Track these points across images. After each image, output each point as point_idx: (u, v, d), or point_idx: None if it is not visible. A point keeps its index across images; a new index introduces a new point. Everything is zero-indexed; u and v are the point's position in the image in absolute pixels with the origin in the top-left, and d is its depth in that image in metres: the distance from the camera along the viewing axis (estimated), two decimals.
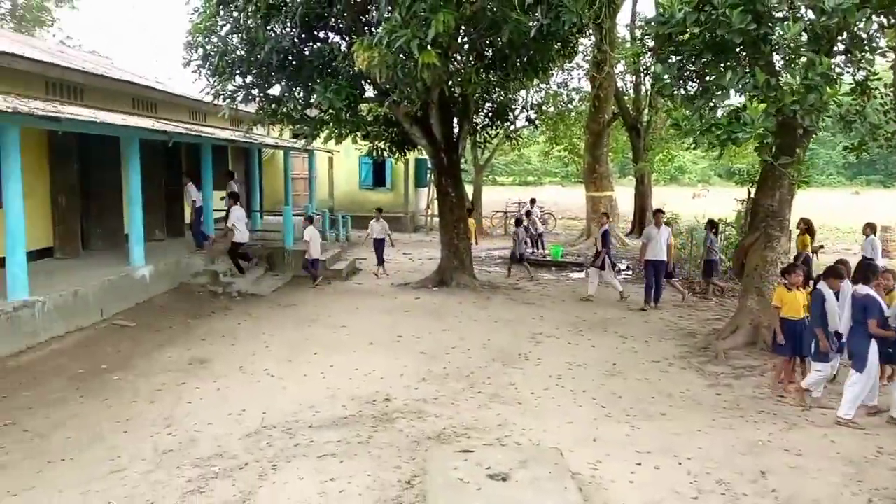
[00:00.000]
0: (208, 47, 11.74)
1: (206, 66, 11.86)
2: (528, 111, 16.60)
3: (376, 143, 15.02)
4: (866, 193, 51.94)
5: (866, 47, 8.20)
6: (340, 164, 23.43)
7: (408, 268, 15.79)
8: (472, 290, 12.78)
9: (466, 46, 12.17)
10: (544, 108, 21.25)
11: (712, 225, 12.95)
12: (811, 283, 7.71)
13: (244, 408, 6.60)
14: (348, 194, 23.95)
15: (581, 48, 18.47)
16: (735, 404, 6.97)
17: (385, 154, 15.53)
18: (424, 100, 12.17)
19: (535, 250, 18.93)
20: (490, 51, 12.19)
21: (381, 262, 14.71)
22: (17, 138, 8.22)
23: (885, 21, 8.13)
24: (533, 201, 21.71)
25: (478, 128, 15.22)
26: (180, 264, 12.10)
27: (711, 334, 9.50)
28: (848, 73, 9.39)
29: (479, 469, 4.91)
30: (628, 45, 21.01)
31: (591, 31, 17.37)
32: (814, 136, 9.76)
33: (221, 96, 12.09)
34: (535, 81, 14.54)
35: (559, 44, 12.39)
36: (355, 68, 10.28)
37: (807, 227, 12.01)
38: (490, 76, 12.76)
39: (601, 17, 9.72)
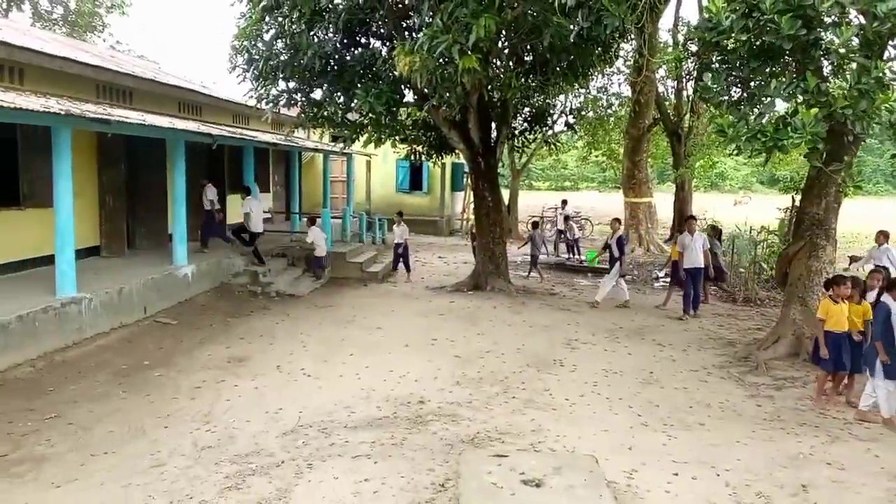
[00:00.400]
0: (253, 52, 11.99)
1: (251, 71, 12.11)
2: (566, 116, 16.51)
3: (414, 146, 15.12)
4: None
5: None
6: (378, 167, 23.65)
7: (443, 271, 15.84)
8: (507, 294, 12.75)
9: (507, 51, 12.20)
10: (583, 112, 21.13)
11: (715, 231, 13.05)
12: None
13: (281, 406, 6.70)
14: (385, 198, 24.15)
15: (622, 52, 18.35)
16: (776, 416, 6.81)
17: (422, 158, 15.63)
18: (463, 104, 12.22)
19: (572, 256, 18.82)
20: (530, 55, 12.18)
21: (406, 267, 14.73)
22: (68, 140, 8.50)
23: None
24: (564, 202, 21.49)
25: (516, 132, 15.21)
26: (221, 264, 12.35)
27: (752, 344, 9.29)
28: None
29: (513, 474, 4.89)
30: (670, 49, 20.77)
31: (632, 36, 17.26)
32: (863, 143, 9.51)
33: (265, 100, 12.33)
34: (575, 86, 14.47)
35: (600, 48, 12.32)
36: (396, 73, 10.38)
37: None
38: (530, 81, 12.75)
39: (643, 21, 9.63)
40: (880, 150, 50.28)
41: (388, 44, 12.36)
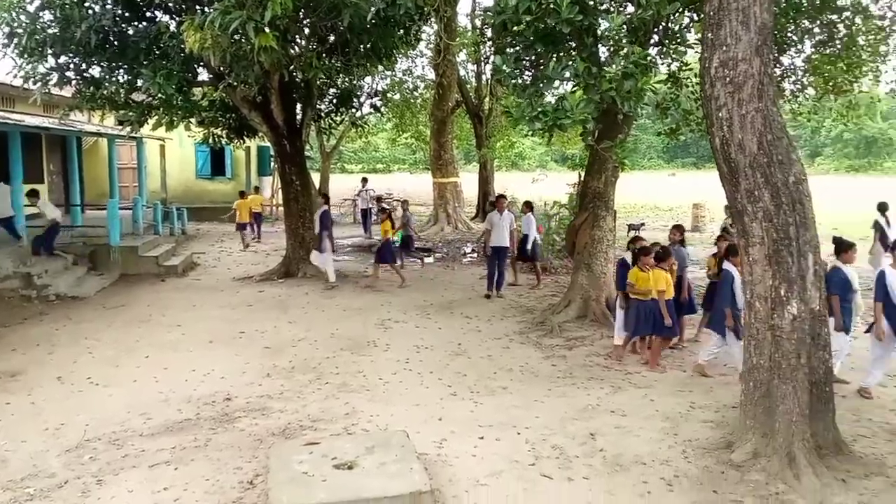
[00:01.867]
0: (14, 25, 10.42)
1: (13, 46, 10.55)
2: (373, 98, 16.52)
3: (212, 129, 14.23)
4: (682, 175, 57.54)
5: (678, 40, 9.03)
6: (174, 152, 21.96)
7: (251, 260, 15.18)
8: (319, 280, 12.55)
9: (307, 30, 11.84)
10: (389, 95, 21.30)
11: (528, 207, 13.14)
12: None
13: (63, 421, 6.00)
14: (184, 185, 22.55)
15: (424, 36, 18.73)
16: (568, 373, 7.45)
17: (223, 141, 14.77)
18: (263, 84, 11.70)
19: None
20: (332, 35, 11.95)
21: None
22: None
23: (694, 16, 9.00)
24: (365, 181, 21.66)
25: (322, 114, 14.90)
26: None
27: (547, 310, 10.07)
28: (664, 63, 10.32)
29: (325, 460, 4.84)
30: (469, 34, 21.62)
31: (431, 19, 17.67)
32: (634, 122, 10.61)
33: (32, 79, 10.82)
34: (380, 68, 14.49)
35: (402, 30, 12.41)
36: (186, 50, 9.64)
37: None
38: (332, 61, 12.52)
39: (437, 4, 9.87)
40: (654, 128, 56.87)
41: (177, 18, 11.41)
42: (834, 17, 9.78)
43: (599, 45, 8.06)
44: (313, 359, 7.92)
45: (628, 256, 8.01)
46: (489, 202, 15.53)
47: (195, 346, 8.39)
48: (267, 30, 8.61)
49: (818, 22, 9.81)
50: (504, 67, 7.39)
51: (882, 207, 12.32)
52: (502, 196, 12.80)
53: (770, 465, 4.97)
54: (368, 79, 15.85)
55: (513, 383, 7.15)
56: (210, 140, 14.54)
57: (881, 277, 6.64)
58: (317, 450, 5.02)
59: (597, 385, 7.07)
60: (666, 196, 30.04)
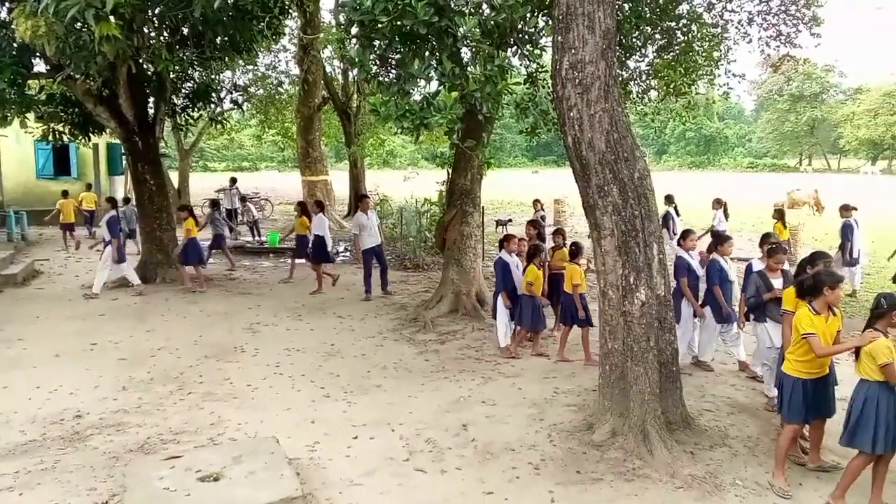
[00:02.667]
0: None
1: None
2: (233, 93, 15.83)
3: (52, 125, 13.03)
4: (545, 172, 60.26)
5: (532, 43, 9.41)
6: (10, 151, 19.89)
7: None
8: (180, 284, 11.89)
9: (156, 20, 11.11)
10: (252, 90, 20.53)
11: (320, 206, 12.50)
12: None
13: None
14: (23, 186, 20.48)
15: (287, 30, 18.20)
16: (441, 367, 7.58)
17: (65, 138, 13.56)
18: (108, 76, 10.87)
19: (254, 238, 18.35)
20: (185, 26, 11.29)
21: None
22: None
23: (548, 20, 9.40)
24: (233, 181, 20.80)
25: (177, 109, 14.08)
26: None
27: (420, 306, 10.18)
28: (522, 65, 10.73)
29: (189, 474, 4.60)
30: (334, 30, 21.27)
31: (294, 13, 17.20)
32: (497, 121, 10.96)
33: None
34: (239, 62, 13.90)
35: (261, 24, 11.98)
36: (18, 39, 8.74)
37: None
38: (186, 54, 11.84)
39: None
40: (518, 127, 59.06)
41: (7, 4, 10.30)
42: (673, 24, 10.64)
43: (459, 46, 8.22)
44: (175, 368, 7.49)
45: (505, 255, 8.18)
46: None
47: (40, 362, 7.66)
48: (111, 17, 7.99)
49: (659, 28, 10.63)
50: (359, 60, 7.26)
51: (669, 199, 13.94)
52: (365, 196, 12.74)
53: (626, 443, 5.33)
54: (229, 73, 15.21)
55: (387, 381, 7.17)
56: (51, 137, 13.30)
57: (709, 265, 7.37)
58: (179, 464, 4.76)
59: (468, 377, 7.24)
60: (530, 193, 31.26)
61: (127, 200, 12.09)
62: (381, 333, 9.02)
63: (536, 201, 14.94)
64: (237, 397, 6.66)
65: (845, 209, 10.94)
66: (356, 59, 6.68)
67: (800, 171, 64.45)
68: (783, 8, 10.77)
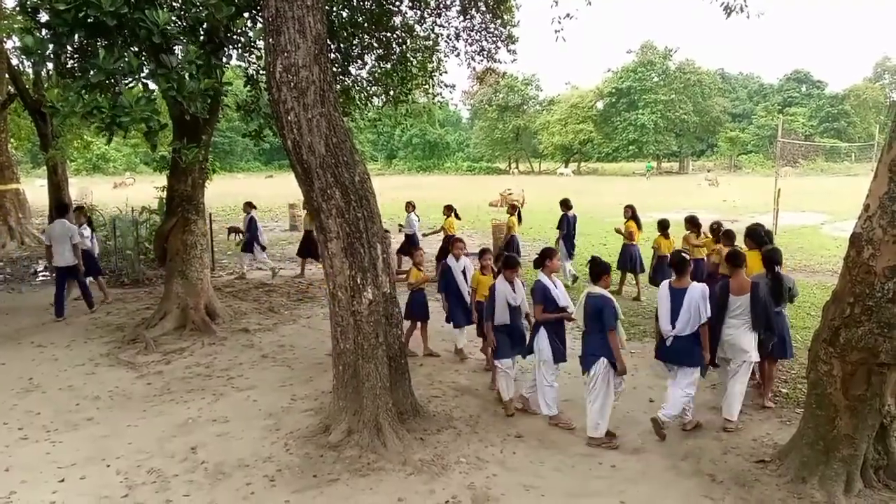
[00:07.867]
0: None
1: None
2: None
3: None
4: (279, 177, 59.05)
5: (245, 44, 9.13)
6: None
7: None
8: None
9: None
10: None
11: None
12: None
13: None
14: None
15: None
16: (166, 389, 6.99)
17: None
18: None
19: None
20: None
21: None
22: None
23: (257, 22, 9.17)
24: None
25: None
26: None
27: (140, 325, 9.25)
28: (242, 66, 10.34)
29: None
30: (20, 17, 18.29)
31: None
32: (226, 123, 10.40)
33: None
34: None
35: None
36: None
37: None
38: None
39: None
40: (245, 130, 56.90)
41: None
42: (388, 34, 11.15)
43: (156, 41, 7.59)
44: None
45: (451, 261, 7.94)
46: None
47: None
48: None
49: (375, 38, 11.07)
50: (36, 49, 6.26)
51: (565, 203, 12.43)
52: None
53: (361, 439, 5.46)
54: None
55: (100, 412, 6.40)
56: None
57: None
58: None
59: (198, 396, 6.79)
60: (265, 198, 30.39)
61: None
62: (93, 360, 8.01)
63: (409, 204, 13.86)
64: None
65: (565, 204, 12.28)
66: (32, 49, 5.79)
67: (509, 173, 72.38)
68: (484, 26, 11.94)
